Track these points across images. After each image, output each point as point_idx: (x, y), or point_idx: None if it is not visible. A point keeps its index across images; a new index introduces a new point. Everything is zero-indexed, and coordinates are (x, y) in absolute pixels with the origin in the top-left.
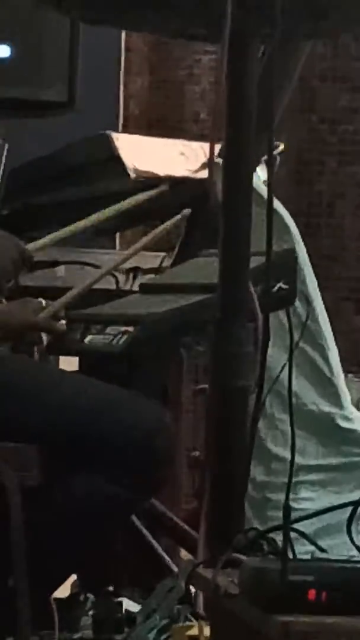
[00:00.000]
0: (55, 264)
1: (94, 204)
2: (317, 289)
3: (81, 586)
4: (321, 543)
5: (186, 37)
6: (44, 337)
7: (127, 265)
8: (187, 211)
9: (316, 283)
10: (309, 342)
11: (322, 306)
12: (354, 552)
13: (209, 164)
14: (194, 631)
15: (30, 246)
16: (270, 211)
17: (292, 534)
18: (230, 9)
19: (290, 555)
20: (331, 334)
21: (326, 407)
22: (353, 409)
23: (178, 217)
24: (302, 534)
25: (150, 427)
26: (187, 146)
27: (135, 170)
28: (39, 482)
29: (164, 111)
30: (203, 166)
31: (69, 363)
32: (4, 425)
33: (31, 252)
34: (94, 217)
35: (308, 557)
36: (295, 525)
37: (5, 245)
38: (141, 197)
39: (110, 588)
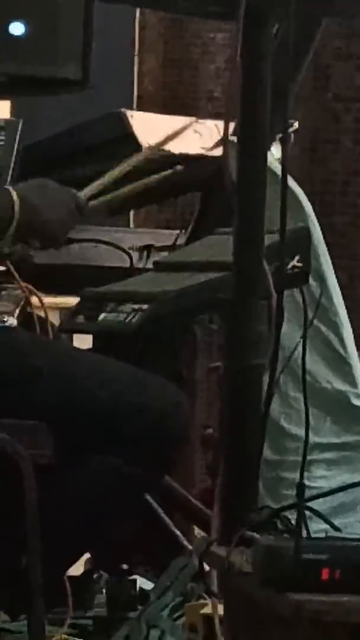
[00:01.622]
0: (69, 241)
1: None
2: (331, 267)
3: (95, 564)
4: (335, 521)
5: (201, 14)
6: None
7: (141, 243)
8: (179, 167)
9: (330, 261)
10: (323, 320)
11: (336, 284)
12: None
13: (224, 142)
14: (208, 609)
15: (87, 191)
16: (285, 189)
17: (306, 513)
18: None
19: (304, 534)
20: (345, 312)
21: (340, 386)
22: None
23: (168, 171)
24: (316, 513)
25: (165, 405)
26: (202, 124)
27: (149, 148)
28: (53, 461)
29: (178, 89)
30: (217, 144)
31: (82, 341)
32: (17, 404)
33: (85, 201)
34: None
35: (322, 535)
36: (309, 504)
37: (60, 197)
38: (156, 177)
39: (124, 566)
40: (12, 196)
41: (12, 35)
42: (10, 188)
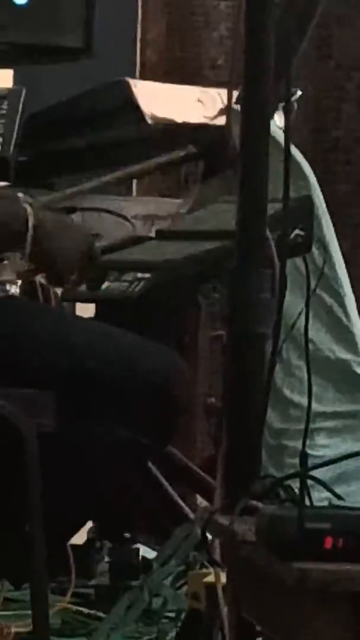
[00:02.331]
0: (71, 210)
1: (111, 151)
2: (334, 236)
3: (97, 533)
4: (338, 490)
5: None
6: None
7: (144, 211)
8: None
9: (333, 230)
10: (326, 289)
11: (339, 253)
12: None
13: (227, 111)
14: (210, 578)
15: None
16: (288, 158)
17: (309, 481)
18: None
19: (307, 503)
20: (348, 281)
21: (343, 354)
22: None
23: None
24: (318, 481)
25: (167, 374)
26: (205, 92)
27: (153, 117)
28: (55, 429)
29: (181, 57)
30: (220, 112)
31: (85, 310)
32: (19, 371)
33: (98, 250)
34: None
35: (325, 504)
36: (312, 473)
37: (74, 237)
38: (165, 159)
39: (127, 535)
40: (27, 210)
41: (14, 4)
42: (27, 205)
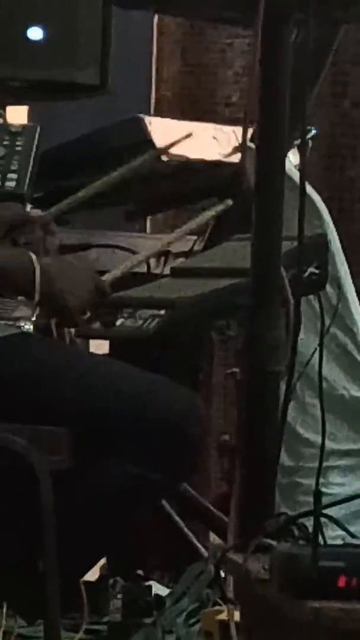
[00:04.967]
0: (87, 247)
1: (125, 187)
2: (349, 274)
3: (110, 570)
4: (352, 528)
5: (220, 21)
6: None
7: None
8: (229, 202)
9: (347, 268)
10: (340, 327)
11: (354, 291)
12: None
13: (242, 148)
14: (224, 616)
15: (108, 276)
16: (303, 196)
17: (323, 520)
18: None
19: (321, 541)
20: None
21: (357, 392)
22: None
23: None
24: (332, 520)
25: (182, 411)
26: (220, 130)
27: (168, 154)
28: (70, 466)
29: (196, 95)
30: (235, 150)
31: (99, 347)
32: (34, 408)
33: (106, 284)
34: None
35: (339, 542)
36: (326, 511)
37: (80, 276)
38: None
39: (140, 572)
40: (33, 262)
41: (30, 40)
42: (33, 255)
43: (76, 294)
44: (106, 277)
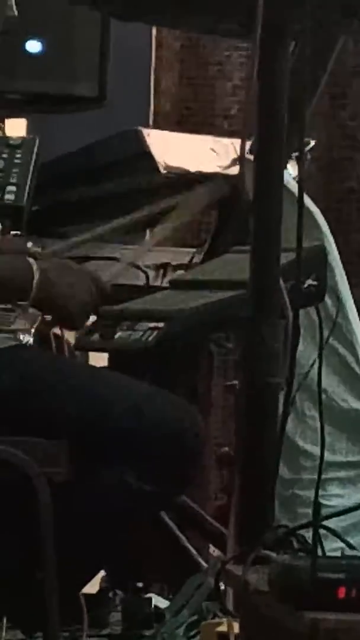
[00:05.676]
0: (85, 259)
1: (124, 200)
2: (348, 286)
3: (110, 582)
4: (351, 540)
5: (218, 33)
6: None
7: (157, 261)
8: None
9: (346, 279)
10: (339, 338)
11: (352, 303)
12: None
13: (240, 160)
14: (223, 627)
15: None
16: (301, 208)
17: (322, 531)
18: (262, 5)
19: (320, 553)
20: None
21: (356, 404)
22: None
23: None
24: (331, 531)
25: (180, 424)
26: (218, 142)
27: (166, 166)
28: (67, 478)
29: (195, 107)
30: (233, 162)
31: (98, 359)
32: (32, 420)
33: (107, 284)
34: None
35: (338, 554)
36: (325, 522)
37: (80, 279)
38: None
39: (139, 584)
40: (33, 268)
41: (28, 53)
42: (32, 261)
43: (77, 297)
44: (106, 276)
